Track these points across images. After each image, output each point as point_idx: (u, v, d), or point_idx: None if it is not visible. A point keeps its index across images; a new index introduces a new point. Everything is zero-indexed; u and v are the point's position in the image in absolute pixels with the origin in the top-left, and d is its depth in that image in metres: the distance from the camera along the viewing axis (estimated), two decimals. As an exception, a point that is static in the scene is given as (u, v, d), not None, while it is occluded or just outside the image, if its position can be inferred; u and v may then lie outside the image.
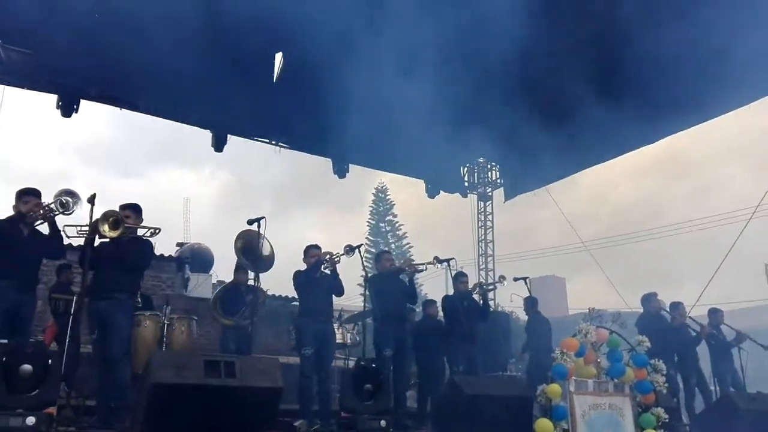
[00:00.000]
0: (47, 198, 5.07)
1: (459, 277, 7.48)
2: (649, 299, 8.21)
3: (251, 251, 6.52)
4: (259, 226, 5.85)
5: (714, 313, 8.83)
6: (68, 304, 7.02)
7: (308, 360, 6.05)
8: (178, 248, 15.17)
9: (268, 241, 7.29)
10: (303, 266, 6.52)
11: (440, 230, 51.63)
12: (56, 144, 73.94)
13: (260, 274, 6.46)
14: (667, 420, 5.48)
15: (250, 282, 7.85)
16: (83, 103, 9.15)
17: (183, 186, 63.81)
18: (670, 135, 10.17)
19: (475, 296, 7.67)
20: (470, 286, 7.64)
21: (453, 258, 7.21)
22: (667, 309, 8.24)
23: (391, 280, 6.97)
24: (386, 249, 7.15)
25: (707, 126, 9.98)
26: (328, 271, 6.48)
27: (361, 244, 6.62)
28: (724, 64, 8.04)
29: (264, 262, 7.16)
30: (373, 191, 36.80)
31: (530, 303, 8.62)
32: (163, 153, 69.43)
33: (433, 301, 8.31)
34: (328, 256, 6.42)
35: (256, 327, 7.45)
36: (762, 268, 25.90)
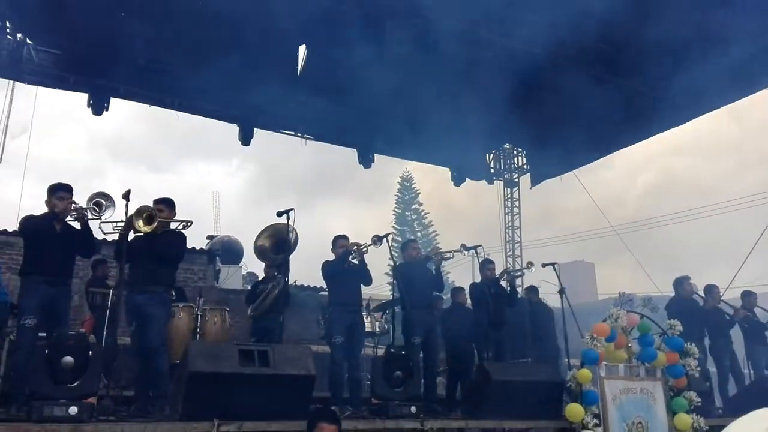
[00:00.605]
0: (81, 200, 5.20)
1: (486, 264, 7.51)
2: (681, 283, 8.17)
3: (282, 244, 6.61)
4: (288, 218, 5.92)
5: (747, 296, 8.73)
6: (105, 298, 7.23)
7: (339, 348, 6.13)
8: (208, 241, 15.39)
9: (295, 230, 7.40)
10: (331, 256, 6.60)
11: (467, 217, 51.50)
12: (87, 140, 75.38)
13: (289, 267, 6.53)
14: (699, 403, 5.46)
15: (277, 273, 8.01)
16: (113, 100, 9.35)
17: (211, 179, 64.78)
18: (696, 117, 9.98)
19: (503, 283, 7.67)
20: (497, 272, 7.65)
21: (480, 245, 7.22)
22: (699, 293, 8.16)
23: (418, 269, 7.01)
24: (413, 238, 7.20)
25: (738, 106, 9.80)
26: (356, 261, 6.54)
27: (389, 234, 6.65)
28: (750, 47, 7.91)
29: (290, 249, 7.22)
30: (399, 180, 36.85)
31: (532, 291, 8.87)
32: (191, 147, 70.43)
33: (462, 289, 8.34)
34: (355, 247, 6.48)
35: (285, 316, 7.59)
36: (797, 250, 25.36)
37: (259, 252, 7.60)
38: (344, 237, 6.63)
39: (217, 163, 73.08)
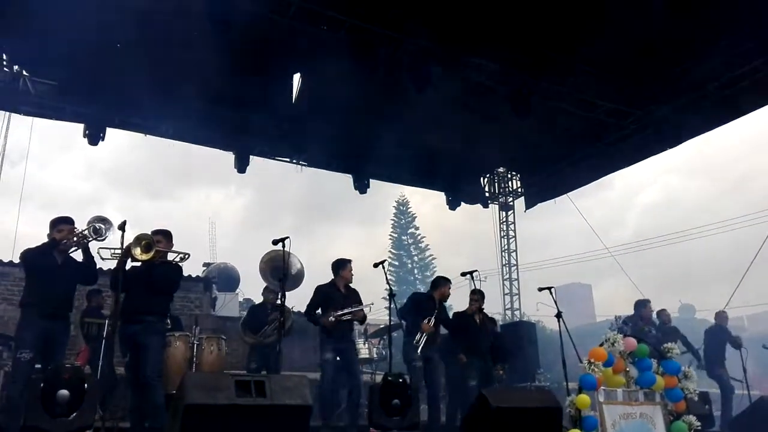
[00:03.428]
0: (80, 225, 5.24)
1: (471, 294, 7.45)
2: (643, 304, 9.01)
3: (278, 270, 6.61)
4: (284, 246, 5.91)
5: (719, 315, 9.67)
6: (100, 328, 7.19)
7: (330, 368, 6.22)
8: (204, 268, 15.37)
9: (297, 258, 7.46)
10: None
11: (464, 241, 51.52)
12: (84, 169, 75.64)
13: (286, 293, 6.53)
14: (699, 427, 5.41)
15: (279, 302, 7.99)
16: (108, 130, 9.40)
17: (209, 205, 64.85)
18: (693, 137, 10.03)
19: None
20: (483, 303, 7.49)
21: (476, 270, 7.22)
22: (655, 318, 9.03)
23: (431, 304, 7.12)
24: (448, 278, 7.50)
25: (735, 125, 9.89)
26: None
27: (384, 260, 6.66)
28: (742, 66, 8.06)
29: (292, 280, 7.29)
30: (395, 204, 36.93)
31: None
32: (188, 173, 70.69)
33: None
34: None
35: (283, 343, 7.56)
36: (793, 268, 25.47)
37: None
38: (348, 261, 6.73)
39: (214, 190, 73.36)
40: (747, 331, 24.92)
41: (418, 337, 6.63)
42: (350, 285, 6.73)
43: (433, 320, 6.83)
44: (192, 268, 13.65)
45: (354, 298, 6.68)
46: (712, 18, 7.35)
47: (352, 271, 6.70)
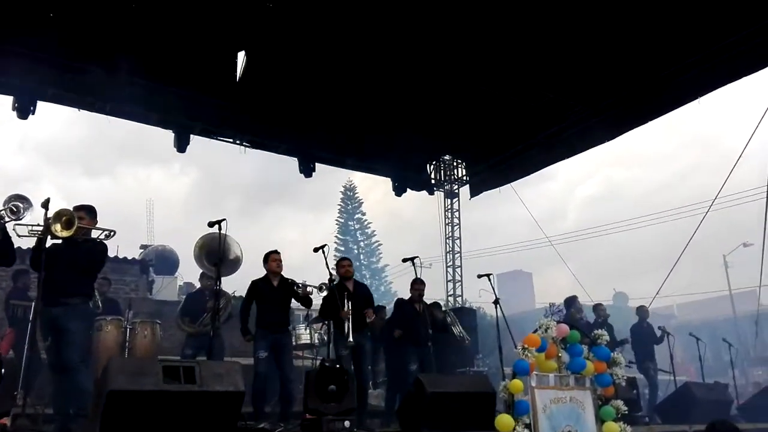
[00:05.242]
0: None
1: (414, 284, 7.49)
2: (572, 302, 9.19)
3: (214, 255, 6.44)
4: (220, 228, 5.75)
5: (639, 309, 10.13)
6: (26, 311, 6.90)
7: (262, 362, 6.12)
8: (141, 250, 14.95)
9: (236, 243, 7.29)
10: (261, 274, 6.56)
11: (411, 227, 51.84)
12: (17, 143, 72.31)
13: (222, 278, 6.37)
14: (626, 412, 5.58)
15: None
16: (39, 103, 8.94)
17: (150, 185, 63.10)
18: (630, 130, 10.27)
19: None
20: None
21: (417, 256, 7.24)
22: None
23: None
24: (346, 256, 7.38)
25: (668, 119, 10.18)
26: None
27: (325, 245, 6.59)
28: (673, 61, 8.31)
29: (229, 265, 7.13)
30: (342, 189, 36.79)
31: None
32: (130, 150, 68.49)
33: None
34: (300, 288, 6.67)
35: (223, 330, 7.40)
36: (721, 260, 26.73)
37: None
38: (276, 252, 6.61)
39: (156, 167, 71.26)
40: (677, 318, 26.03)
41: (346, 327, 6.53)
42: (284, 276, 6.61)
43: (348, 303, 6.60)
44: (128, 251, 13.25)
45: (286, 290, 6.62)
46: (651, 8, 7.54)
47: (278, 262, 6.55)
